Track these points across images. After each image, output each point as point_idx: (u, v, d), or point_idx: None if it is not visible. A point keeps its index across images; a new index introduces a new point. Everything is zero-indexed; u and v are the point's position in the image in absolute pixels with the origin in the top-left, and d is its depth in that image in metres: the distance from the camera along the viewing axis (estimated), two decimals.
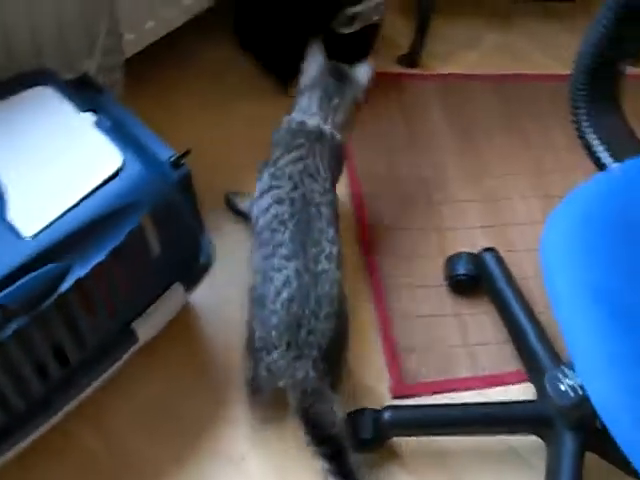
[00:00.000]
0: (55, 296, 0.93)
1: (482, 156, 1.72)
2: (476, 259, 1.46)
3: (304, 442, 1.12)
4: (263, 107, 1.66)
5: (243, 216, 1.44)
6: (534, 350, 1.31)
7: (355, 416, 1.28)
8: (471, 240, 1.57)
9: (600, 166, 1.01)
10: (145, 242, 1.04)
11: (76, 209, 0.98)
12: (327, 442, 1.10)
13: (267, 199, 1.22)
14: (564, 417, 1.21)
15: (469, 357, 1.44)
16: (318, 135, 1.28)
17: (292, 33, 1.58)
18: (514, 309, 1.36)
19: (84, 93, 1.13)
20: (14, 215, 0.95)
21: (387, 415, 1.26)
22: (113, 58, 1.35)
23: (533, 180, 1.71)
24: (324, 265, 1.16)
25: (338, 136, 1.31)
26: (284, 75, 1.68)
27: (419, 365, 1.40)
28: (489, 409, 1.27)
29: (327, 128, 1.29)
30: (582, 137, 1.03)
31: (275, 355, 1.11)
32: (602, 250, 0.86)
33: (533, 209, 1.66)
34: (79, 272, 0.96)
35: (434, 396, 1.38)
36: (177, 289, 1.15)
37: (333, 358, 1.15)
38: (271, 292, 1.13)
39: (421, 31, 1.75)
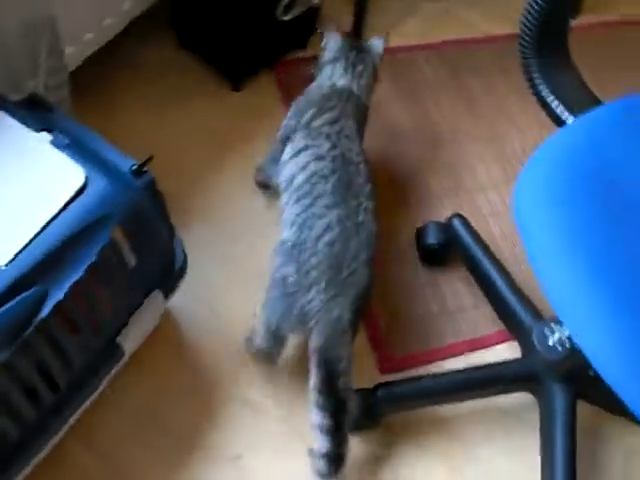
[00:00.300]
0: (36, 323, 0.92)
1: (436, 125, 1.74)
2: (445, 227, 1.47)
3: (311, 389, 1.13)
4: (211, 104, 1.65)
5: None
6: (515, 309, 1.33)
7: None
8: (437, 209, 1.58)
9: (559, 122, 1.02)
10: (119, 254, 1.03)
11: (46, 231, 0.96)
12: (333, 395, 1.12)
13: (304, 157, 1.28)
14: (552, 370, 1.24)
15: (450, 324, 1.46)
16: (349, 95, 1.37)
17: (233, 27, 1.56)
18: (489, 272, 1.39)
19: (35, 113, 1.10)
20: None
21: (379, 393, 1.27)
22: (58, 75, 1.32)
23: (489, 144, 1.72)
24: (363, 217, 1.22)
25: (364, 98, 1.40)
26: (230, 70, 1.66)
27: (402, 338, 1.42)
28: (479, 373, 1.29)
29: (355, 89, 1.38)
30: (537, 94, 1.05)
31: (312, 294, 1.15)
32: (576, 203, 0.87)
33: (493, 172, 1.68)
34: (57, 295, 0.94)
35: (422, 367, 1.39)
36: (157, 297, 1.14)
37: (360, 308, 1.19)
38: (311, 237, 1.19)
39: (361, 7, 1.74)
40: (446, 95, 1.80)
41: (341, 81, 1.39)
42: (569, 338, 0.99)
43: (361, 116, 1.40)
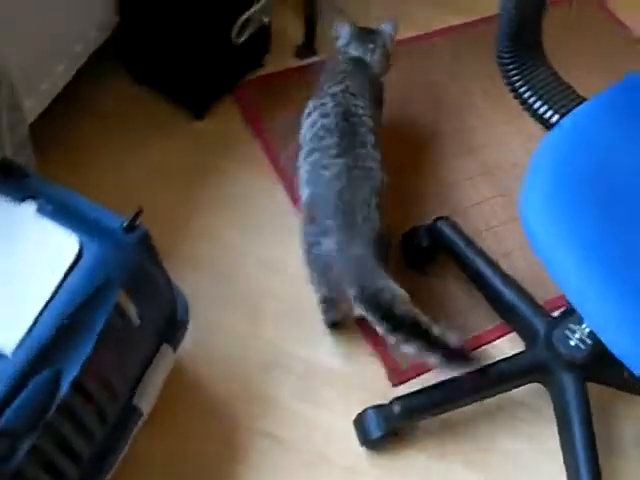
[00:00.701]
0: (56, 404, 0.89)
1: (408, 126, 1.73)
2: (431, 230, 1.47)
3: (386, 334, 1.18)
4: (177, 136, 1.63)
5: None
6: (514, 304, 1.35)
7: (363, 417, 1.29)
8: (417, 209, 1.58)
9: (545, 123, 1.03)
10: (125, 317, 1.00)
11: (48, 309, 0.92)
12: (402, 324, 1.16)
13: (313, 117, 1.35)
14: (560, 359, 1.26)
15: (450, 325, 1.45)
16: (359, 60, 1.45)
17: (191, 56, 1.53)
18: (485, 271, 1.39)
19: (11, 181, 1.06)
20: None
21: (397, 408, 1.27)
22: (20, 133, 1.27)
23: (456, 136, 1.73)
24: (370, 164, 1.27)
25: (376, 69, 1.47)
26: (191, 99, 1.63)
27: None
28: (489, 372, 1.29)
29: (367, 59, 1.46)
30: (520, 99, 1.05)
31: (326, 239, 1.19)
32: (582, 204, 0.88)
33: (466, 165, 1.69)
34: (72, 372, 0.91)
35: (429, 373, 1.39)
36: (166, 351, 1.12)
37: (383, 248, 1.23)
38: (321, 185, 1.24)
39: (310, 20, 1.73)
40: (412, 95, 1.80)
41: (354, 51, 1.47)
42: (589, 335, 0.99)
43: (373, 84, 1.45)
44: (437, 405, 1.29)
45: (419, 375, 1.39)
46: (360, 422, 1.30)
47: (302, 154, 1.34)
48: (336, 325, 1.39)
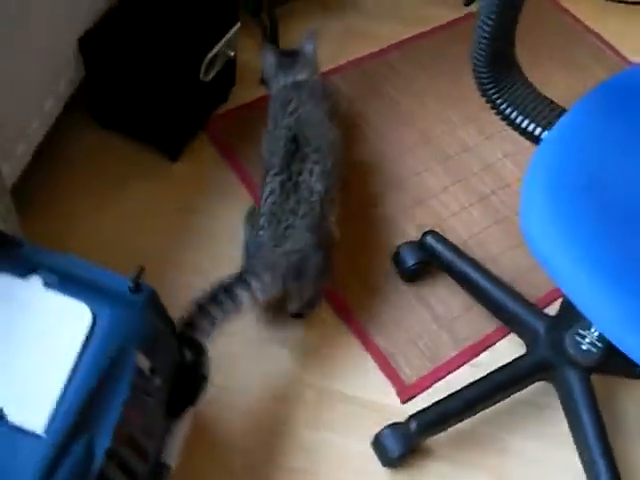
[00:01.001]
0: (94, 474, 0.89)
1: (371, 144, 1.76)
2: (421, 246, 1.50)
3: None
4: (153, 179, 1.63)
5: None
6: (513, 309, 1.38)
7: (381, 438, 1.31)
8: (402, 227, 1.61)
9: (531, 138, 1.06)
10: (145, 377, 1.00)
11: (71, 383, 0.92)
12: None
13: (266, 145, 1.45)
14: (564, 356, 1.30)
15: (448, 335, 1.49)
16: (297, 84, 1.51)
17: (162, 100, 1.54)
18: (478, 279, 1.43)
19: (8, 254, 1.06)
20: (14, 417, 0.89)
21: (413, 425, 1.29)
22: (3, 201, 1.27)
23: (426, 147, 1.76)
24: (305, 177, 1.35)
25: (313, 81, 1.55)
26: (165, 142, 1.63)
27: (410, 362, 1.44)
28: (497, 378, 1.33)
29: (301, 78, 1.53)
30: (505, 117, 1.08)
31: (262, 250, 1.31)
32: (581, 211, 0.91)
33: (437, 175, 1.71)
34: (104, 442, 0.91)
35: (438, 383, 1.43)
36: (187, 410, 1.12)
37: (314, 264, 1.32)
38: (262, 203, 1.35)
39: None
40: (373, 109, 1.82)
41: (287, 79, 1.53)
42: (599, 338, 1.03)
43: (316, 91, 1.53)
44: (451, 416, 1.32)
45: (425, 389, 1.42)
46: (379, 443, 1.32)
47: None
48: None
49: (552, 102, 1.09)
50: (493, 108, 1.10)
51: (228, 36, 1.57)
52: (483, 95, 1.10)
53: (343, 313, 1.50)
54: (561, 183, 0.96)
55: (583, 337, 1.05)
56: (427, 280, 1.55)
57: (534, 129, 1.06)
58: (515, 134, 1.09)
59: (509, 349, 1.47)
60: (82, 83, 1.56)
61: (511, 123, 1.08)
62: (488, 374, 1.35)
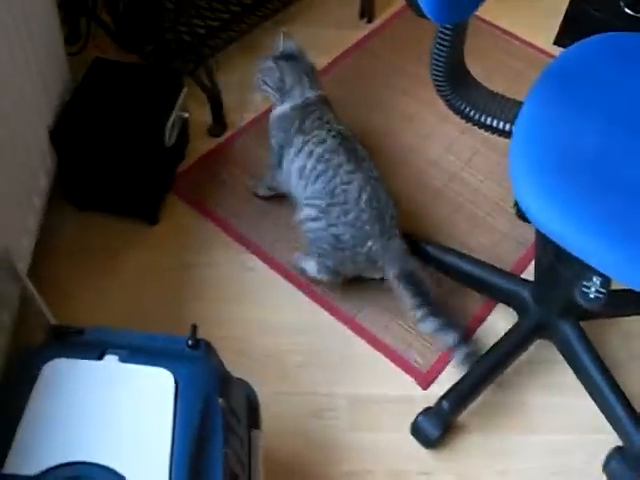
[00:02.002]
0: None
1: None
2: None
3: (409, 308, 1.50)
4: (139, 245, 1.72)
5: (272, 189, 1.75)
6: (500, 285, 1.60)
7: (418, 424, 1.46)
8: None
9: (501, 133, 1.23)
10: (230, 415, 1.11)
11: (175, 441, 1.02)
12: (427, 301, 1.49)
13: (308, 148, 1.55)
14: (555, 314, 1.48)
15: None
16: (317, 99, 1.62)
17: (131, 176, 1.65)
18: (463, 266, 1.62)
19: (76, 342, 1.14)
20: None
21: (446, 404, 1.44)
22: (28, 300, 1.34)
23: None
24: (375, 173, 1.55)
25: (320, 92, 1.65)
26: (142, 211, 1.73)
27: (419, 352, 1.60)
28: (504, 344, 1.50)
29: (312, 94, 1.63)
30: (474, 121, 1.25)
31: (370, 242, 1.50)
32: (567, 174, 1.10)
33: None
34: None
35: (446, 370, 1.59)
36: (257, 435, 1.23)
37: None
38: (350, 200, 1.50)
39: (215, 96, 1.86)
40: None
41: (308, 93, 1.62)
42: (602, 284, 1.21)
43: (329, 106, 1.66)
44: (475, 389, 1.47)
45: (440, 372, 1.58)
46: (417, 430, 1.46)
47: (307, 179, 1.55)
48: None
49: (508, 98, 1.27)
50: (459, 114, 1.26)
51: (179, 101, 1.68)
52: (448, 105, 1.27)
53: (347, 322, 1.63)
54: (541, 163, 1.13)
55: (588, 287, 1.22)
56: None
57: (503, 125, 1.23)
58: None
59: (499, 320, 1.65)
60: (56, 172, 1.64)
61: (480, 124, 1.25)
62: (494, 345, 1.52)
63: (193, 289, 1.65)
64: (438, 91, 1.25)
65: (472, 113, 1.25)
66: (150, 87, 1.68)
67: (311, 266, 1.62)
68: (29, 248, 1.46)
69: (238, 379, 1.27)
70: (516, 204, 1.81)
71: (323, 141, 1.54)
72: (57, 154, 1.61)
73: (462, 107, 1.25)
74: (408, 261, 1.52)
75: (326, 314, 1.64)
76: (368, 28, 2.24)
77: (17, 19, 1.35)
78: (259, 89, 1.66)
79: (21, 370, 1.09)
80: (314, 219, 1.55)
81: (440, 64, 1.20)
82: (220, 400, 1.10)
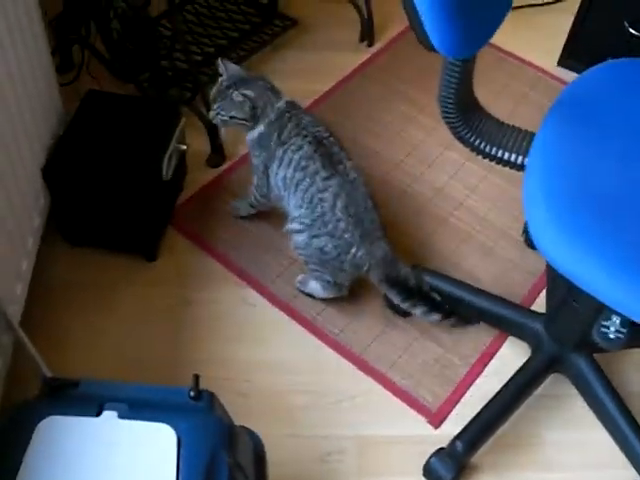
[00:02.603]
0: None
1: None
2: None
3: (395, 301, 1.52)
4: (138, 282, 1.66)
5: (254, 202, 1.70)
6: (513, 319, 1.54)
7: (431, 467, 1.40)
8: None
9: (515, 166, 1.19)
10: (236, 469, 1.05)
11: None
12: (413, 294, 1.50)
13: (287, 157, 1.51)
14: (567, 346, 1.43)
15: (454, 356, 1.60)
16: (289, 106, 1.56)
17: (130, 211, 1.60)
18: (474, 301, 1.56)
19: (67, 396, 1.09)
20: None
21: (459, 445, 1.39)
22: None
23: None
24: (353, 174, 1.50)
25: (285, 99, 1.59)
26: (139, 247, 1.68)
27: (429, 390, 1.54)
28: (518, 380, 1.45)
29: (281, 104, 1.57)
30: (486, 155, 1.20)
31: (354, 250, 1.47)
32: (582, 212, 1.06)
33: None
34: None
35: (457, 407, 1.53)
36: None
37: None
38: (327, 209, 1.46)
39: (213, 126, 1.81)
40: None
41: (279, 104, 1.56)
42: (622, 323, 1.16)
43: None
44: (490, 427, 1.42)
45: (450, 411, 1.52)
46: (430, 472, 1.40)
47: (289, 189, 1.52)
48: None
49: (518, 129, 1.22)
50: (469, 146, 1.22)
51: (177, 133, 1.63)
52: (458, 137, 1.22)
53: (352, 359, 1.58)
54: (559, 198, 1.08)
55: (607, 327, 1.17)
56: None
57: (515, 158, 1.18)
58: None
59: (511, 353, 1.60)
60: (49, 209, 1.59)
61: (490, 157, 1.21)
62: (509, 381, 1.46)
63: (193, 327, 1.60)
64: (447, 123, 1.20)
65: (482, 145, 1.21)
66: (146, 119, 1.63)
67: (315, 287, 1.61)
68: (23, 294, 1.40)
69: (243, 427, 1.22)
70: (525, 232, 1.76)
71: (299, 148, 1.51)
72: (50, 191, 1.55)
73: (472, 139, 1.21)
74: (392, 265, 1.51)
75: (330, 351, 1.59)
76: (369, 52, 2.20)
77: (6, 52, 1.30)
78: (224, 125, 1.61)
79: (14, 428, 1.03)
80: (298, 231, 1.53)
81: (450, 96, 1.15)
82: (226, 455, 1.04)
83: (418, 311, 1.53)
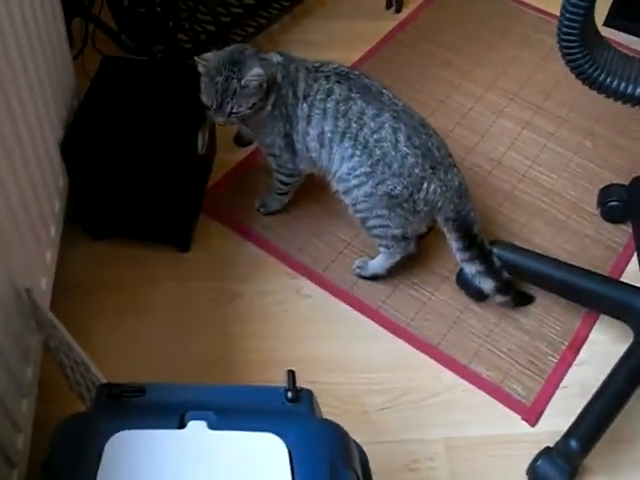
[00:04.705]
0: None
1: None
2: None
3: (455, 249, 1.35)
4: (171, 277, 1.44)
5: (284, 187, 1.49)
6: (611, 297, 1.35)
7: (539, 469, 1.22)
8: None
9: (631, 100, 1.01)
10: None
11: None
12: (475, 244, 1.33)
13: (317, 109, 1.30)
14: None
15: (542, 342, 1.40)
16: (285, 61, 1.34)
17: (159, 188, 1.37)
18: (565, 277, 1.39)
19: (136, 407, 0.87)
20: None
21: (574, 444, 1.20)
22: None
23: None
24: (400, 102, 1.32)
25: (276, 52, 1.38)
26: (172, 237, 1.46)
27: (520, 383, 1.35)
28: (630, 365, 1.26)
29: (278, 59, 1.35)
30: (601, 87, 1.02)
31: (426, 184, 1.28)
32: None
33: None
34: None
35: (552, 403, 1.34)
36: None
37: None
38: (388, 146, 1.27)
39: None
40: None
41: (275, 59, 1.35)
42: None
43: None
44: (604, 421, 1.22)
45: (546, 405, 1.33)
46: (538, 476, 1.21)
47: (331, 143, 1.31)
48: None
49: None
50: (592, 83, 1.04)
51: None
52: (579, 73, 1.04)
53: (429, 352, 1.38)
54: None
55: None
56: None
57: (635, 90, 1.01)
58: None
59: (603, 337, 1.42)
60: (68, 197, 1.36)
61: (618, 94, 1.03)
62: (616, 367, 1.28)
63: (240, 325, 1.38)
64: (568, 57, 1.02)
65: (609, 80, 1.02)
66: (172, 86, 1.41)
67: (377, 264, 1.43)
68: (48, 289, 1.18)
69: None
70: (602, 204, 1.57)
71: (330, 92, 1.29)
72: (69, 172, 1.32)
73: (597, 74, 1.02)
74: (465, 199, 1.33)
75: (403, 343, 1.38)
76: (397, 18, 2.02)
77: (26, 21, 1.09)
78: (241, 122, 1.36)
79: (76, 450, 0.81)
80: (357, 186, 1.31)
81: (574, 25, 0.97)
82: (346, 469, 0.83)
83: (473, 268, 1.34)
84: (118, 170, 1.33)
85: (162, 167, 1.32)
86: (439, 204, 1.31)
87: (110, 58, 1.46)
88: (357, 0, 2.04)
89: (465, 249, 1.34)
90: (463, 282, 1.43)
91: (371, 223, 1.35)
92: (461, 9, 2.05)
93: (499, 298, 1.38)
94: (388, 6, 2.01)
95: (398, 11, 2.00)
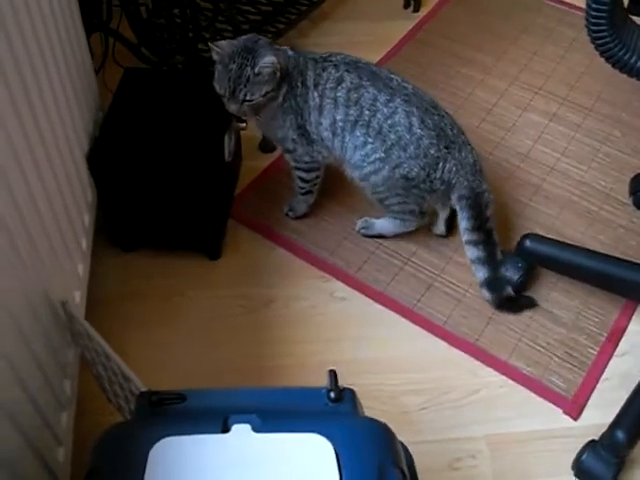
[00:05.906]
0: None
1: None
2: (521, 254, 1.39)
3: (462, 229, 1.35)
4: (203, 285, 1.44)
5: (305, 185, 1.48)
6: None
7: (585, 463, 1.19)
8: None
9: None
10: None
11: None
12: (483, 229, 1.33)
13: (328, 99, 1.31)
14: None
15: (581, 335, 1.38)
16: (296, 54, 1.35)
17: (187, 196, 1.36)
18: (601, 267, 1.36)
19: (178, 413, 0.86)
20: None
21: (621, 435, 1.17)
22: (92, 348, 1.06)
23: None
24: (409, 85, 1.33)
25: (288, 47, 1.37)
26: (202, 245, 1.46)
27: (561, 376, 1.33)
28: None
29: (290, 53, 1.34)
30: (634, 72, 1.00)
31: (441, 164, 1.31)
32: None
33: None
34: None
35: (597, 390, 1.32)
36: None
37: None
38: (402, 130, 1.29)
39: None
40: None
41: (287, 53, 1.34)
42: None
43: None
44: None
45: (589, 397, 1.30)
46: (583, 471, 1.18)
47: (343, 131, 1.32)
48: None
49: None
50: (622, 66, 1.02)
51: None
52: (608, 56, 1.03)
53: (467, 349, 1.36)
54: None
55: None
56: (532, 288, 1.44)
57: None
58: None
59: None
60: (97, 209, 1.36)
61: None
62: None
63: (274, 330, 1.37)
64: (595, 39, 1.02)
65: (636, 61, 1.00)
66: (195, 95, 1.41)
67: (388, 225, 1.47)
68: (82, 302, 1.17)
69: None
70: (634, 193, 1.55)
71: (340, 81, 1.30)
72: (97, 185, 1.32)
73: (627, 56, 1.00)
74: (479, 177, 1.34)
75: (440, 341, 1.37)
76: (416, 18, 2.01)
77: (49, 33, 1.10)
78: (253, 112, 1.33)
79: (121, 458, 0.80)
80: (374, 172, 1.33)
81: (603, 7, 0.95)
82: (395, 469, 0.81)
83: (475, 253, 1.35)
84: (146, 181, 1.33)
85: (190, 176, 1.32)
86: (454, 181, 1.33)
87: (132, 69, 1.46)
88: (374, 1, 2.03)
89: (472, 230, 1.34)
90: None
91: (389, 201, 1.38)
92: (478, 5, 2.03)
93: (484, 292, 1.37)
94: (406, 6, 2.01)
95: (416, 10, 1.99)
